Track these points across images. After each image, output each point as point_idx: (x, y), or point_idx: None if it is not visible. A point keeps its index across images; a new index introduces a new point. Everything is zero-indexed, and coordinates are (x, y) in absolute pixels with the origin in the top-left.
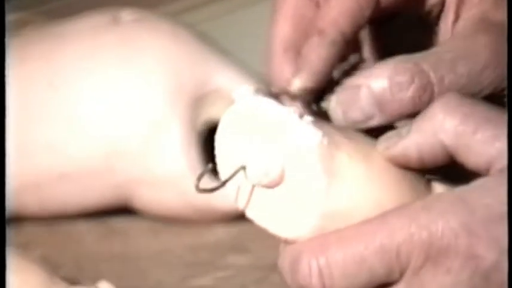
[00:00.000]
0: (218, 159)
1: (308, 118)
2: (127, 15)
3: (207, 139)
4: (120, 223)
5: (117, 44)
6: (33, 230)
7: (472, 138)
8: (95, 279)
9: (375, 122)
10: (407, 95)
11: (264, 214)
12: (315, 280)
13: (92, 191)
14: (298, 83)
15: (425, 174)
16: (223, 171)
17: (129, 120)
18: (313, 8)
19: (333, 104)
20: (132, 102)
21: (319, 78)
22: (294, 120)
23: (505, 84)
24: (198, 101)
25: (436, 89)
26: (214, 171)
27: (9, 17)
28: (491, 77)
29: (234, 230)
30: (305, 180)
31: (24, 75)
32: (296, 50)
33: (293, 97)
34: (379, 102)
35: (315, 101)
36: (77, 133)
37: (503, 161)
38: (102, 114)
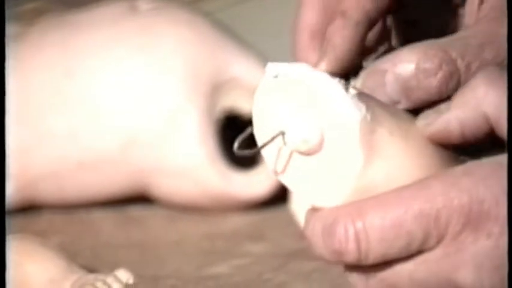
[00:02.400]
0: (255, 124)
1: (353, 91)
2: (144, 3)
3: (225, 128)
4: (137, 212)
5: (134, 33)
6: (51, 218)
7: None
8: (113, 267)
9: (400, 107)
10: (434, 82)
11: (299, 181)
12: (351, 244)
13: (110, 179)
14: (324, 67)
15: (460, 155)
16: (260, 136)
17: (147, 109)
18: None
19: (358, 86)
20: (150, 91)
21: (345, 61)
22: (339, 92)
23: None
24: (215, 89)
25: (462, 76)
26: (246, 144)
27: (25, 6)
28: None
29: (250, 218)
30: (344, 152)
31: (40, 63)
32: (322, 37)
33: None
34: (405, 88)
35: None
36: (95, 122)
37: None
38: (120, 103)
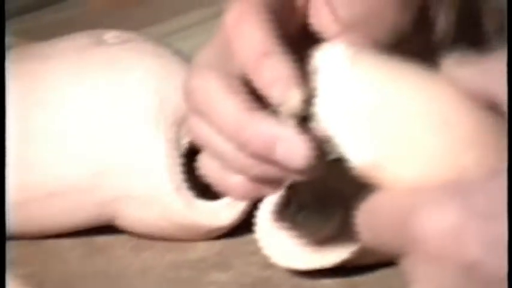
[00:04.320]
0: None
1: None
2: (111, 37)
3: (191, 158)
4: (104, 240)
5: (102, 65)
6: (18, 247)
7: None
8: None
9: None
10: None
11: None
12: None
13: (79, 209)
14: (298, 96)
15: None
16: None
17: (115, 140)
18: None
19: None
20: (117, 122)
21: (301, 81)
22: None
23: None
24: (182, 120)
25: None
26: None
27: None
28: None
29: (217, 247)
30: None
31: (12, 93)
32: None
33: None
34: None
35: None
36: (64, 152)
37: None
38: (88, 133)
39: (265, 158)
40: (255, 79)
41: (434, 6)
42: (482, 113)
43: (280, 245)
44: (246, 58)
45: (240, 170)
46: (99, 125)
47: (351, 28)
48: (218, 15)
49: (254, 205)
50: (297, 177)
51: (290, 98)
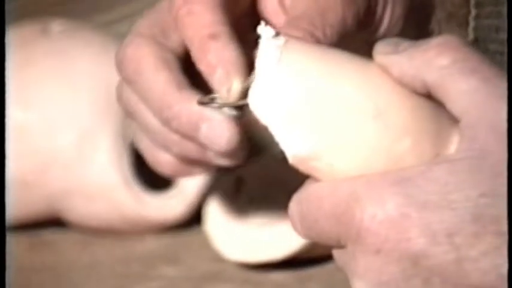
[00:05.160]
0: None
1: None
2: (57, 25)
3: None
4: (50, 235)
5: (47, 55)
6: None
7: (451, 84)
8: None
9: None
10: None
11: None
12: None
13: (24, 203)
14: (238, 84)
15: None
16: None
17: (60, 132)
18: None
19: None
20: (62, 113)
21: (247, 69)
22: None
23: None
24: None
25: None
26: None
27: None
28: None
29: (165, 241)
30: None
31: None
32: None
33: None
34: None
35: None
36: (9, 146)
37: (472, 117)
38: (32, 125)
39: (189, 136)
40: (198, 59)
41: (382, 1)
42: (416, 100)
43: (230, 238)
44: (192, 37)
45: (164, 146)
46: (43, 116)
47: (295, 20)
48: None
49: (203, 198)
50: (219, 161)
51: (229, 85)
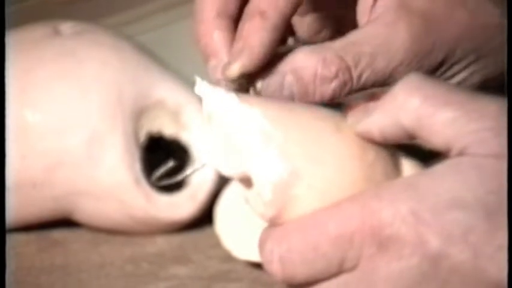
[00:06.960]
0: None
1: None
2: (68, 27)
3: (149, 150)
4: (60, 235)
5: (57, 56)
6: None
7: (431, 120)
8: None
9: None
10: (329, 90)
11: None
12: (275, 265)
13: (33, 203)
14: (237, 68)
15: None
16: None
17: (71, 132)
18: None
19: (259, 87)
20: (73, 114)
21: (260, 62)
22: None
23: None
24: (139, 112)
25: (354, 85)
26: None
27: None
28: (405, 73)
29: (175, 240)
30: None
31: None
32: (229, 16)
33: (231, 81)
34: (302, 92)
35: (251, 83)
36: (22, 145)
37: (461, 143)
38: (43, 125)
39: None
40: (239, 27)
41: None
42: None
43: (240, 238)
44: (249, 9)
45: None
46: (54, 117)
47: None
48: (176, 5)
49: (214, 198)
50: None
51: (231, 65)
